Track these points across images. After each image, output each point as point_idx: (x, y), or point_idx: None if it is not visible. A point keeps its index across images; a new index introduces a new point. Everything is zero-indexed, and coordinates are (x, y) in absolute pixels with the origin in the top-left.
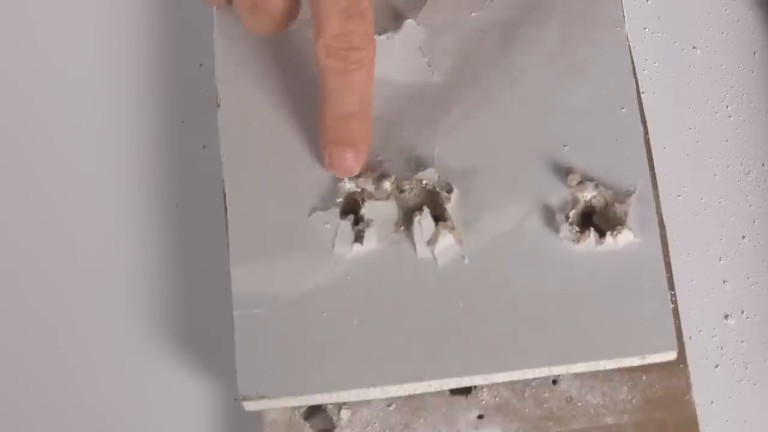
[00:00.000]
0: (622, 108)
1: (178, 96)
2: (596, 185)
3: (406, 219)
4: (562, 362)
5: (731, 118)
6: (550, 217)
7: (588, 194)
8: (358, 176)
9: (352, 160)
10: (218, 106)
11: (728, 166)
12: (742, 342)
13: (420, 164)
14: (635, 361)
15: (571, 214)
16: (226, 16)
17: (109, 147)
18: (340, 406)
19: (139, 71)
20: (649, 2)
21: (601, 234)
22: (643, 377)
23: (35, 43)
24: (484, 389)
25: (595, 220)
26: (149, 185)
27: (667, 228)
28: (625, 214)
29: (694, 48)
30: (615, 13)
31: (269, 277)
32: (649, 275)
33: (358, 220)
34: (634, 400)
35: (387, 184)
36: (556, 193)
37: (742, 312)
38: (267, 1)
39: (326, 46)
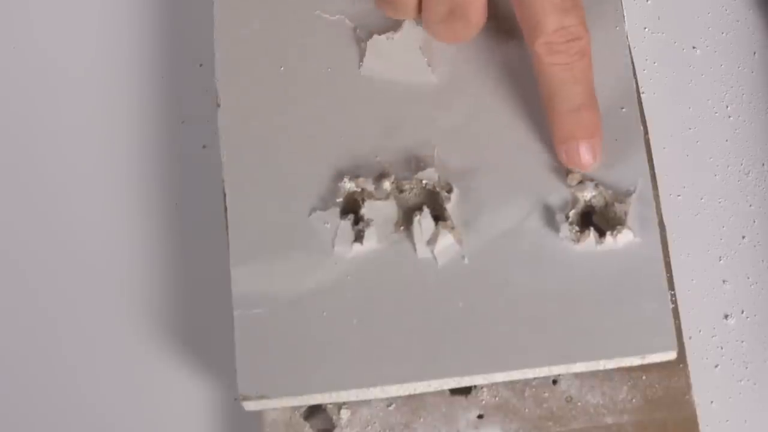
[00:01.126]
0: (622, 108)
1: (178, 96)
2: (596, 185)
3: (406, 219)
4: (562, 362)
5: (731, 118)
6: (550, 216)
7: (588, 194)
8: (358, 176)
9: (589, 153)
10: (218, 106)
11: (728, 166)
12: (742, 342)
13: (420, 164)
14: (635, 361)
15: (571, 213)
16: (227, 16)
17: (109, 147)
18: (340, 406)
19: (139, 71)
20: (649, 2)
21: (601, 234)
22: (643, 377)
23: (35, 43)
24: (484, 389)
25: (595, 220)
26: (149, 185)
27: (667, 228)
28: (625, 214)
29: (694, 48)
30: (615, 13)
31: (269, 277)
32: (649, 275)
33: (358, 220)
34: (634, 400)
35: (387, 184)
36: (556, 193)
37: (742, 312)
38: (467, 8)
39: (548, 44)
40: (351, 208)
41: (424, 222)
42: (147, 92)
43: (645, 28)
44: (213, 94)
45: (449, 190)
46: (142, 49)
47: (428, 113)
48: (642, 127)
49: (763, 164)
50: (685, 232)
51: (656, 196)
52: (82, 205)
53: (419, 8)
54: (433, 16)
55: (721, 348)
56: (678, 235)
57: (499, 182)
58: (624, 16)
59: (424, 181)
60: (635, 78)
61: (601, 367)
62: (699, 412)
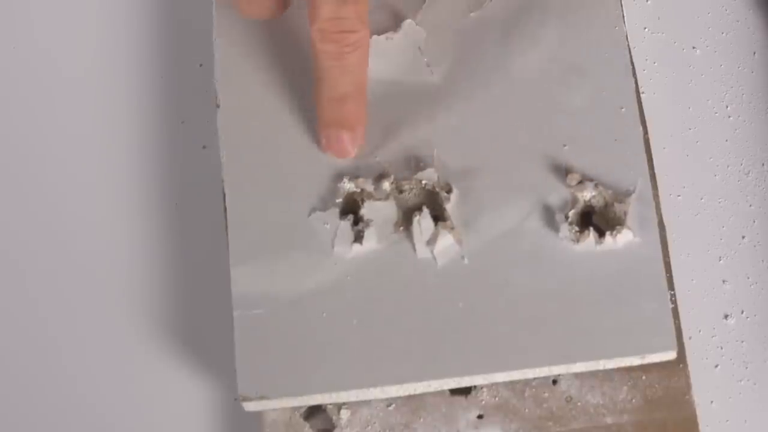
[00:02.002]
0: (622, 108)
1: (178, 96)
2: (596, 185)
3: (406, 219)
4: (562, 362)
5: (731, 118)
6: (549, 216)
7: (587, 194)
8: (358, 177)
9: (349, 142)
10: (218, 106)
11: (728, 166)
12: (742, 342)
13: (419, 164)
14: (635, 361)
15: (571, 213)
16: (226, 16)
17: (109, 147)
18: (339, 406)
19: (139, 71)
20: (649, 2)
21: (601, 234)
22: (643, 377)
23: (35, 44)
24: (484, 389)
25: (595, 220)
26: (149, 185)
27: (667, 228)
28: (625, 214)
29: (693, 48)
30: (614, 13)
31: (269, 277)
32: (648, 275)
33: (357, 220)
34: (634, 400)
35: (386, 184)
36: (556, 193)
37: (742, 312)
38: None
39: (320, 30)
40: (351, 208)
41: (423, 222)
42: (147, 92)
43: (645, 28)
44: (213, 94)
45: (449, 191)
46: (142, 49)
47: (428, 113)
48: (642, 127)
49: (763, 164)
50: (685, 232)
51: (656, 196)
52: (82, 205)
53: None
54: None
55: (721, 348)
56: (678, 235)
57: (499, 182)
58: (623, 16)
59: (423, 182)
60: (635, 78)
61: (601, 367)
62: (699, 412)
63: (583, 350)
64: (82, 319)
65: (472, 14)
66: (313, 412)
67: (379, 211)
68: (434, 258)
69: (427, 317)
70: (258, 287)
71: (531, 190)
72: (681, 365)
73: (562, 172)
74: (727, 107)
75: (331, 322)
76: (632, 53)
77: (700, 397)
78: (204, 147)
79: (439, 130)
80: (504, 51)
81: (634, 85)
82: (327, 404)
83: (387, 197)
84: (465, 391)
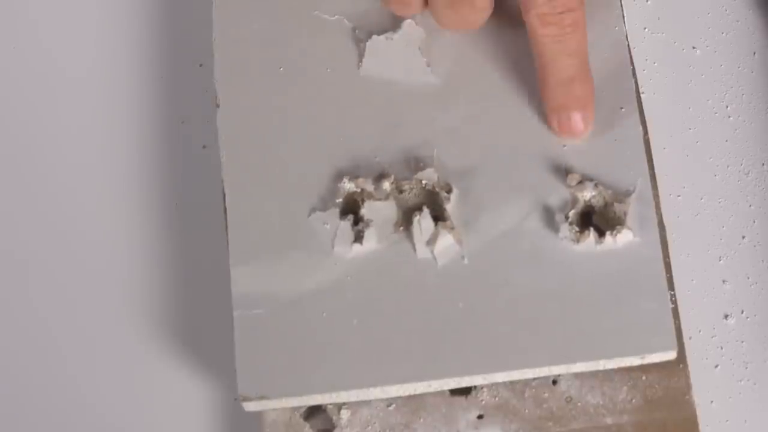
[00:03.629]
0: (622, 108)
1: (178, 96)
2: (596, 185)
3: (406, 219)
4: (562, 362)
5: (731, 118)
6: (549, 217)
7: (587, 194)
8: (358, 177)
9: (581, 122)
10: (218, 106)
11: (728, 166)
12: (742, 342)
13: (419, 164)
14: (635, 361)
15: (571, 213)
16: (226, 16)
17: (109, 147)
18: (340, 406)
19: (139, 71)
20: (649, 2)
21: (601, 234)
22: (643, 377)
23: (35, 44)
24: (484, 389)
25: (595, 220)
26: (149, 185)
27: (667, 228)
28: (625, 214)
29: (693, 48)
30: (614, 13)
31: (269, 277)
32: (648, 275)
33: (357, 221)
34: (634, 400)
35: (386, 184)
36: (556, 193)
37: (742, 312)
38: None
39: (540, 15)
40: (351, 208)
41: (423, 222)
42: (147, 92)
43: (645, 28)
44: (213, 94)
45: (449, 191)
46: (142, 49)
47: (428, 113)
48: (642, 127)
49: (763, 164)
50: (685, 232)
51: (656, 196)
52: (82, 205)
53: (425, 1)
54: (439, 1)
55: (721, 348)
56: (678, 235)
57: (499, 182)
58: (624, 16)
59: (423, 182)
60: (635, 78)
61: (601, 367)
62: (699, 412)
63: (583, 350)
64: (82, 319)
65: None
66: (313, 412)
67: (379, 211)
68: (434, 258)
69: (427, 317)
70: (258, 287)
71: (531, 190)
72: (681, 365)
73: (562, 172)
74: (727, 107)
75: (331, 322)
76: (632, 53)
77: (700, 397)
78: (204, 147)
79: (439, 130)
80: (504, 51)
81: (634, 85)
82: (327, 404)
83: (387, 197)
84: (465, 391)
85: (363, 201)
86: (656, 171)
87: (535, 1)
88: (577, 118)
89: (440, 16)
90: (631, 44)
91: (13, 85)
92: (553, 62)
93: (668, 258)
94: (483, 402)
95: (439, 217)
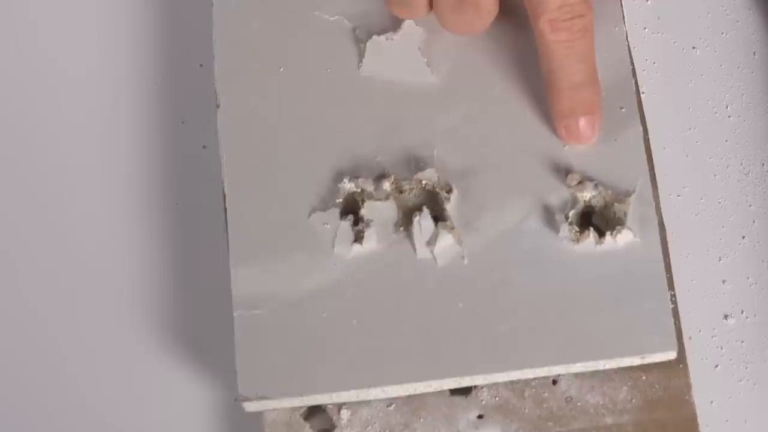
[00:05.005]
0: (622, 108)
1: (178, 96)
2: (596, 185)
3: (406, 219)
4: (562, 362)
5: (731, 118)
6: (549, 217)
7: (587, 194)
8: (358, 177)
9: (589, 128)
10: (218, 106)
11: (728, 166)
12: (742, 342)
13: (419, 164)
14: (635, 361)
15: (571, 214)
16: (226, 16)
17: (109, 147)
18: (340, 406)
19: (139, 71)
20: (649, 2)
21: (601, 234)
22: (643, 377)
23: (35, 44)
24: (484, 389)
25: (595, 220)
26: (149, 185)
27: (667, 228)
28: (625, 214)
29: (693, 48)
30: (615, 13)
31: (269, 277)
32: (648, 275)
33: (357, 221)
34: (634, 400)
35: (386, 185)
36: (556, 193)
37: (742, 312)
38: None
39: (551, 21)
40: (351, 208)
41: (423, 222)
42: (147, 92)
43: (645, 28)
44: (213, 94)
45: (449, 191)
46: (142, 49)
47: (428, 114)
48: (642, 127)
49: (763, 164)
50: (685, 232)
51: (656, 197)
52: (82, 205)
53: (430, 4)
54: (445, 5)
55: (721, 348)
56: (678, 235)
57: (499, 182)
58: (624, 16)
59: (423, 182)
60: (635, 78)
61: (601, 367)
62: (699, 412)
63: (583, 350)
64: (81, 319)
65: None
66: (313, 412)
67: (379, 212)
68: (434, 258)
69: (427, 317)
70: (258, 287)
71: (531, 190)
72: (681, 365)
73: (562, 172)
74: (727, 107)
75: (331, 322)
76: (632, 53)
77: (700, 397)
78: (204, 147)
79: (439, 130)
80: (504, 51)
81: (634, 85)
82: (327, 404)
83: (387, 197)
84: (465, 391)
85: (363, 201)
86: (656, 171)
87: (546, 7)
88: (584, 123)
89: (445, 20)
90: (631, 44)
91: (13, 85)
92: (562, 68)
93: (668, 258)
94: (483, 402)
95: (439, 217)
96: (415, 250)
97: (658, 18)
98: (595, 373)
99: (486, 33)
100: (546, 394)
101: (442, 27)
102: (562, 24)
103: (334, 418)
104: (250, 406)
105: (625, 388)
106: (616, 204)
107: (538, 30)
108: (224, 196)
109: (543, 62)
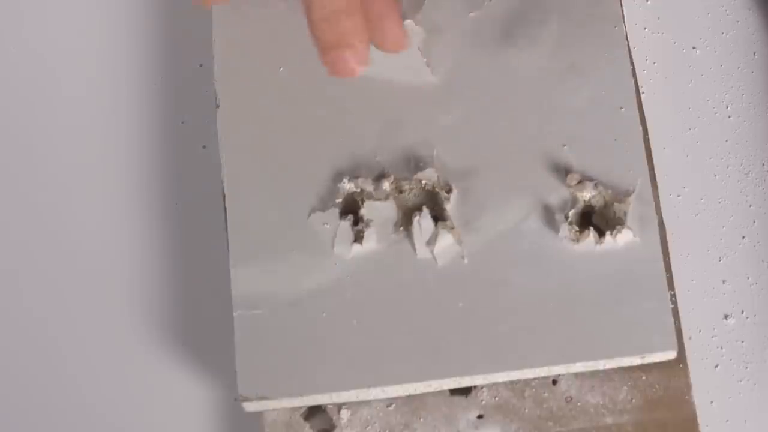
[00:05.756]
0: (621, 108)
1: (178, 96)
2: (595, 185)
3: (406, 219)
4: (562, 362)
5: (731, 118)
6: (549, 216)
7: (587, 194)
8: (358, 177)
9: (353, 60)
10: (218, 106)
11: (728, 166)
12: (742, 342)
13: (419, 164)
14: (635, 361)
15: (571, 213)
16: (225, 16)
17: (109, 147)
18: (340, 406)
19: (139, 72)
20: (649, 2)
21: (601, 234)
22: (643, 377)
23: (35, 44)
24: (484, 389)
25: (595, 220)
26: (149, 185)
27: (667, 228)
28: (625, 214)
29: (693, 48)
30: (614, 13)
31: (269, 277)
32: (648, 275)
33: (357, 221)
34: (634, 400)
35: (386, 185)
36: (556, 193)
37: (742, 312)
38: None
39: None
40: (350, 208)
41: (423, 222)
42: (147, 92)
43: (645, 28)
44: (213, 94)
45: (449, 191)
46: (142, 49)
47: (428, 113)
48: (641, 127)
49: (763, 164)
50: (685, 232)
51: (656, 196)
52: (82, 205)
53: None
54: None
55: (721, 348)
56: (678, 235)
57: (499, 182)
58: (623, 16)
59: (423, 182)
60: (635, 78)
61: (601, 367)
62: (699, 412)
63: (583, 350)
64: (81, 319)
65: (471, 14)
66: (313, 412)
67: (379, 211)
68: (434, 258)
69: (427, 317)
70: (258, 287)
71: (531, 190)
72: (681, 365)
73: (562, 172)
74: (727, 107)
75: (331, 322)
76: (632, 53)
77: (700, 397)
78: (204, 147)
79: (439, 130)
80: (503, 51)
81: (634, 85)
82: (327, 404)
83: (387, 197)
84: (465, 391)
85: (363, 201)
86: (656, 171)
87: None
88: (347, 57)
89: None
90: (631, 44)
91: (13, 86)
92: None
93: (668, 258)
94: (483, 402)
95: (439, 217)
96: (414, 249)
97: (658, 18)
98: (595, 373)
99: (485, 33)
100: (546, 394)
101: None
102: None
103: (334, 418)
104: (250, 406)
105: (625, 388)
106: (615, 204)
107: None
108: (224, 196)
109: None
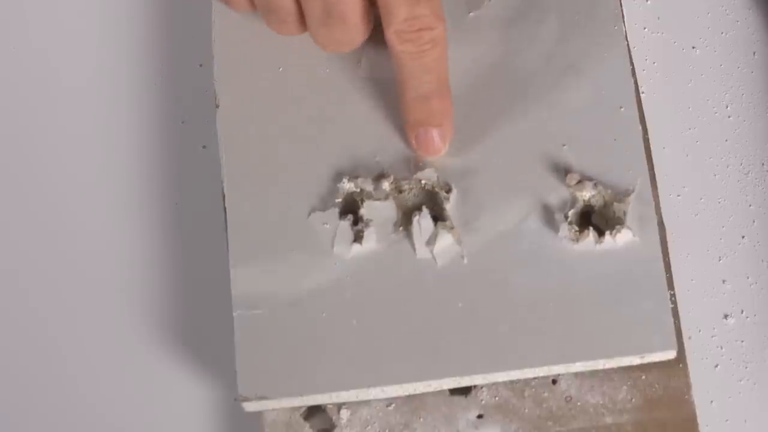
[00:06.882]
0: (621, 107)
1: (178, 96)
2: (595, 185)
3: (406, 219)
4: (561, 362)
5: (731, 118)
6: (549, 216)
7: (587, 194)
8: (357, 177)
9: (438, 140)
10: (218, 106)
11: (728, 166)
12: (742, 342)
13: (419, 164)
14: (635, 360)
15: (570, 213)
16: (225, 16)
17: (109, 147)
18: (339, 406)
19: (139, 72)
20: (649, 2)
21: (601, 233)
22: (643, 377)
23: (35, 45)
24: (484, 389)
25: (594, 220)
26: (149, 185)
27: (667, 228)
28: (624, 214)
29: (693, 48)
30: (614, 13)
31: (269, 277)
32: (648, 275)
33: (357, 221)
34: (633, 400)
35: (386, 184)
36: (555, 193)
37: (742, 312)
38: (341, 7)
39: (398, 32)
40: (350, 208)
41: (423, 222)
42: (147, 92)
43: (645, 28)
44: (213, 94)
45: (448, 191)
46: (142, 49)
47: None
48: (641, 127)
49: (763, 164)
50: (685, 232)
51: (656, 196)
52: (82, 205)
53: (304, 23)
54: (312, 20)
55: (721, 348)
56: (678, 235)
57: (499, 182)
58: (623, 16)
59: (423, 182)
60: (634, 78)
61: (600, 367)
62: (699, 412)
63: (582, 350)
64: (82, 319)
65: (471, 14)
66: (313, 412)
67: (378, 211)
68: (434, 258)
69: (427, 317)
70: (258, 287)
71: (530, 190)
72: (681, 365)
73: (562, 171)
74: (727, 107)
75: (331, 322)
76: (632, 53)
77: (700, 397)
78: (204, 147)
79: None
80: (503, 51)
81: (633, 85)
82: (327, 404)
83: (387, 197)
84: (465, 391)
85: (362, 201)
86: (656, 171)
87: (393, 18)
88: (434, 135)
89: (315, 37)
90: (631, 44)
91: (13, 86)
92: (410, 79)
93: (668, 258)
94: (483, 402)
95: (438, 217)
96: (414, 249)
97: (658, 18)
98: (594, 373)
99: (485, 33)
100: (546, 394)
101: (317, 45)
102: (408, 36)
103: (333, 418)
104: (250, 406)
105: (625, 387)
106: (615, 203)
107: (388, 40)
108: (224, 196)
109: (395, 72)
